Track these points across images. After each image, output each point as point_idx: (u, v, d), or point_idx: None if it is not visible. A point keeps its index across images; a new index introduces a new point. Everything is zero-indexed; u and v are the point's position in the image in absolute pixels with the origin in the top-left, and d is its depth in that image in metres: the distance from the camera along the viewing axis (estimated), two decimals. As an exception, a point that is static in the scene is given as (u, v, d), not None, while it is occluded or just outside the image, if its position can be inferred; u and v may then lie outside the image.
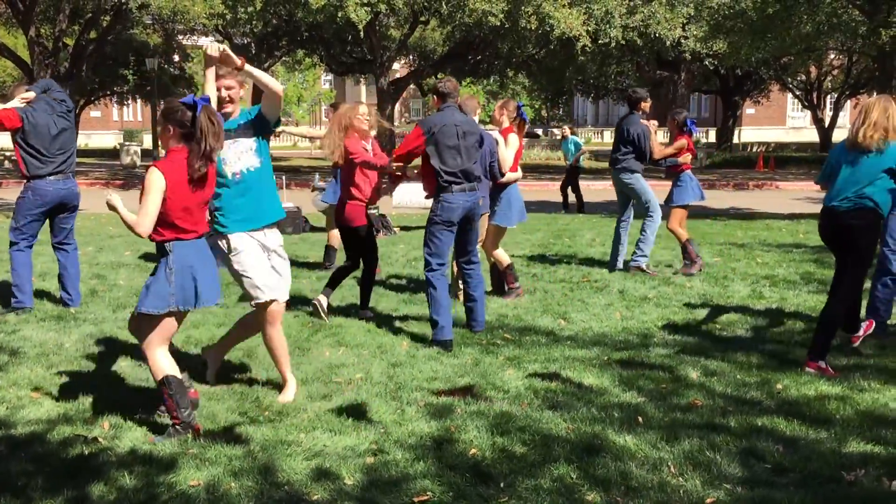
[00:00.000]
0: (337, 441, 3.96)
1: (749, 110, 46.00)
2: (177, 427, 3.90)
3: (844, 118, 42.02)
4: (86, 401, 4.49)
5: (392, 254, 9.88)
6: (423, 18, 24.54)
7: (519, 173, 7.30)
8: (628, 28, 21.52)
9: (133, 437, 3.97)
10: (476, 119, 6.54)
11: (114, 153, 37.24)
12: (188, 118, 3.85)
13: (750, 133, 47.91)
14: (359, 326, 6.23)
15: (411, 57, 35.46)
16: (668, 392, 4.71)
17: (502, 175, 7.04)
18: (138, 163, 31.46)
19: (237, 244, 4.41)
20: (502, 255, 7.36)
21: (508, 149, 7.07)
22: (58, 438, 3.97)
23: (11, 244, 6.51)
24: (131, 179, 25.00)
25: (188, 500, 3.35)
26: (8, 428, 4.10)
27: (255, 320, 4.64)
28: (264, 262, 4.46)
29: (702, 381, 4.92)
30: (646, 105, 8.55)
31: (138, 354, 5.43)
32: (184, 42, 34.51)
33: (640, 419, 4.24)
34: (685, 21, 22.02)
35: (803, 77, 33.53)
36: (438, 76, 33.05)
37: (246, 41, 30.62)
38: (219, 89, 4.44)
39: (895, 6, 13.75)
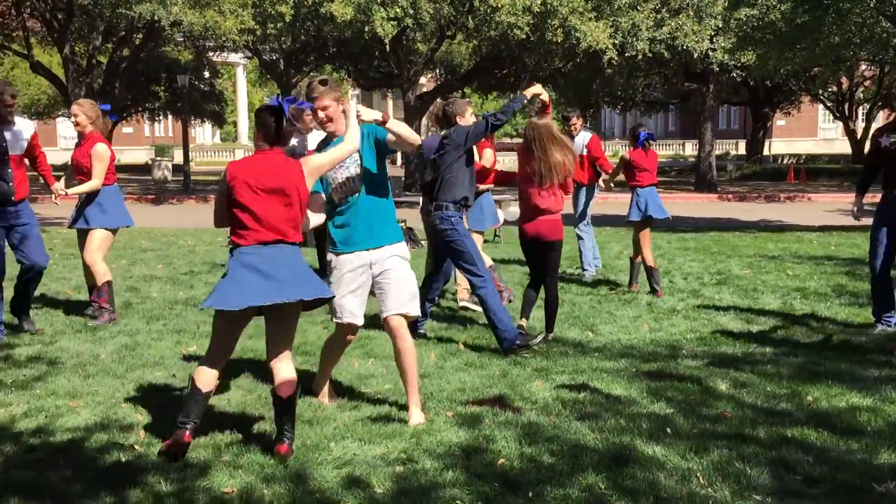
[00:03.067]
0: (367, 450, 4.01)
1: (779, 122, 45.63)
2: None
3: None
4: (121, 409, 4.59)
5: (419, 266, 9.93)
6: (449, 33, 24.65)
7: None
8: (655, 41, 21.46)
9: (168, 445, 4.05)
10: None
11: (145, 168, 37.82)
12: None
13: (780, 145, 47.52)
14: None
15: (438, 71, 35.60)
16: (696, 403, 4.70)
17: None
18: (169, 177, 31.91)
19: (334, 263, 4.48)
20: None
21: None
22: (95, 446, 4.06)
23: None
24: (163, 194, 25.37)
25: (222, 507, 3.42)
26: (48, 436, 4.20)
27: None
28: (351, 285, 4.44)
29: (731, 393, 4.90)
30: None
31: (171, 364, 5.54)
32: (214, 59, 35.01)
33: (669, 430, 4.24)
34: (713, 33, 21.91)
35: (834, 88, 33.21)
36: (465, 90, 33.21)
37: (275, 57, 31.00)
38: (315, 111, 4.38)
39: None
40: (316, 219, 4.39)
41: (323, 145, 4.49)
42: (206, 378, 3.95)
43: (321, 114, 4.36)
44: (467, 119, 6.12)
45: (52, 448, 4.04)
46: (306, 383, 5.03)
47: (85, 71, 24.65)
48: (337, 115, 4.37)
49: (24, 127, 6.21)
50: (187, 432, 3.86)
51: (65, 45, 23.60)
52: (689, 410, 4.58)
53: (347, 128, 4.23)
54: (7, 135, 6.00)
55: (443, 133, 6.06)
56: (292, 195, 3.94)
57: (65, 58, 23.94)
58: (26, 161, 6.35)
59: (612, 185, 8.91)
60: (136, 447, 4.02)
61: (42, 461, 3.88)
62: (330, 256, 4.51)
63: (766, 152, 39.10)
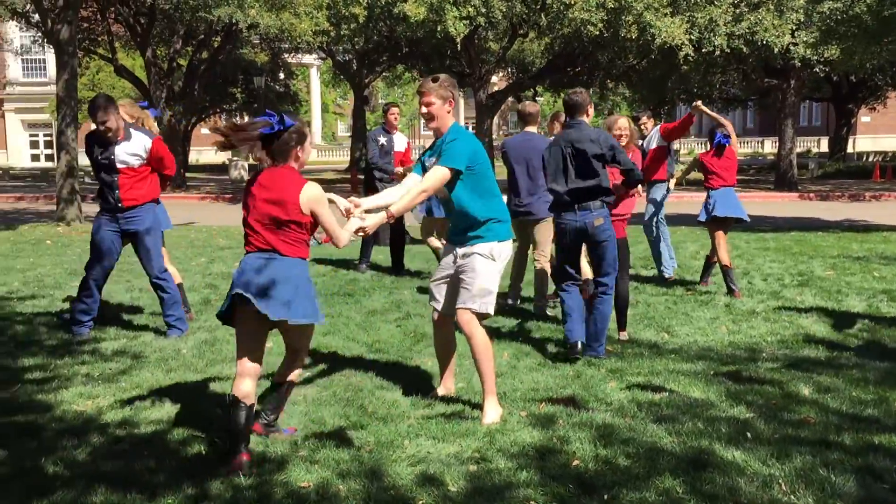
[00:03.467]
0: (440, 448, 4.02)
1: (864, 118, 43.98)
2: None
3: (969, 125, 39.65)
4: (202, 403, 4.71)
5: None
6: (521, 31, 24.56)
7: None
8: (734, 36, 20.94)
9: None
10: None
11: (223, 168, 38.79)
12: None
13: (865, 142, 45.85)
14: (459, 337, 6.29)
15: (510, 69, 35.51)
16: (778, 408, 4.57)
17: None
18: (245, 177, 32.65)
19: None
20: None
21: None
22: (178, 438, 4.18)
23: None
24: (239, 193, 25.95)
25: (300, 500, 3.48)
26: (133, 427, 4.34)
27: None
28: (439, 273, 4.74)
29: (814, 398, 4.75)
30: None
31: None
32: (288, 60, 35.69)
33: (749, 434, 4.13)
34: (794, 27, 21.27)
35: (923, 82, 31.85)
36: (537, 88, 33.04)
37: (348, 58, 31.42)
38: (420, 105, 4.54)
39: None
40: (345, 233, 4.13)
41: (432, 146, 4.66)
42: (249, 390, 3.89)
43: (423, 109, 4.51)
44: (591, 112, 5.98)
45: (137, 439, 4.17)
46: (379, 378, 5.09)
47: (166, 73, 25.44)
48: (441, 112, 4.49)
49: (141, 141, 6.26)
50: (244, 452, 3.81)
51: (147, 49, 24.40)
52: (770, 415, 4.45)
53: (338, 234, 4.05)
54: (118, 150, 6.17)
55: (587, 134, 5.65)
56: (281, 211, 3.84)
57: (147, 61, 24.75)
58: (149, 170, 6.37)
59: (683, 181, 8.84)
60: (217, 440, 4.12)
61: (127, 452, 4.01)
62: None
63: (850, 150, 37.78)
